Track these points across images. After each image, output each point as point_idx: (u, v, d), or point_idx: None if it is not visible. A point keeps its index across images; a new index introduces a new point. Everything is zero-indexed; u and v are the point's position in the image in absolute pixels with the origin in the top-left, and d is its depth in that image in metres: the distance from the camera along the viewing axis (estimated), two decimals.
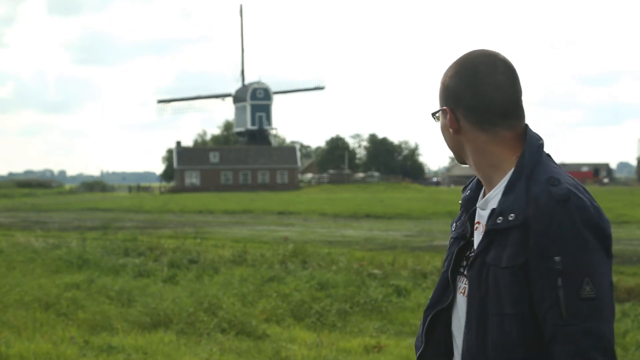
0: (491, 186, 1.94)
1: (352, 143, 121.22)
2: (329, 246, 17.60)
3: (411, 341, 7.67)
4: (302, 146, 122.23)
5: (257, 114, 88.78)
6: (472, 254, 1.91)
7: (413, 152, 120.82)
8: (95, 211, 40.03)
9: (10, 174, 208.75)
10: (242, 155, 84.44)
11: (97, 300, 9.61)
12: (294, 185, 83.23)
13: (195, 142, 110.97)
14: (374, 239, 20.97)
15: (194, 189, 79.83)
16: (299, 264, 12.93)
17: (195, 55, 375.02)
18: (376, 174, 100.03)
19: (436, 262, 13.08)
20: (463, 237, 2.00)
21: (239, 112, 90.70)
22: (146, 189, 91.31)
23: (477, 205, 1.97)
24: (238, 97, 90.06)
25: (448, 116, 1.95)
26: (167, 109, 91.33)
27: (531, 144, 1.89)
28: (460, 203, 2.05)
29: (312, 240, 19.47)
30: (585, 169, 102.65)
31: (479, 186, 2.02)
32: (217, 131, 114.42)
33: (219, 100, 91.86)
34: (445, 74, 1.97)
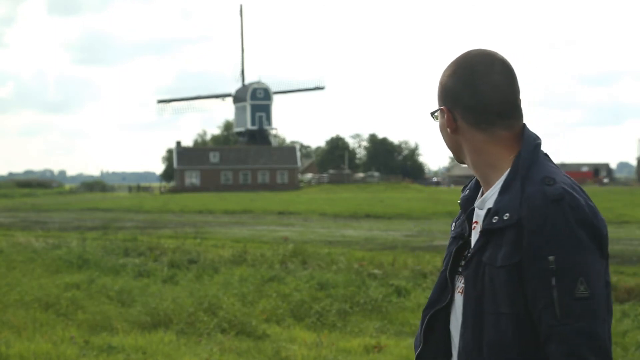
0: (489, 186, 1.94)
1: (352, 143, 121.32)
2: (329, 246, 17.60)
3: (411, 341, 7.67)
4: (302, 146, 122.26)
5: (257, 114, 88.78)
6: (469, 254, 1.92)
7: (413, 152, 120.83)
8: (95, 211, 40.04)
9: (10, 174, 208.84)
10: (242, 155, 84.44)
11: (97, 300, 9.61)
12: (294, 185, 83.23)
13: (195, 142, 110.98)
14: (374, 239, 20.97)
15: (194, 189, 79.83)
16: (299, 264, 12.93)
17: (195, 55, 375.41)
18: (376, 174, 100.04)
19: (436, 262, 13.08)
20: (461, 237, 2.00)
21: (239, 112, 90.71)
22: (146, 189, 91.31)
23: (475, 205, 1.98)
24: (238, 97, 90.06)
25: (446, 116, 1.96)
26: (167, 109, 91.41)
27: (528, 143, 1.89)
28: (459, 203, 2.06)
29: (312, 240, 19.47)
30: (585, 169, 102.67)
31: (477, 186, 2.03)
32: (217, 131, 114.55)
33: (219, 100, 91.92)
34: (443, 74, 1.97)
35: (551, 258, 1.74)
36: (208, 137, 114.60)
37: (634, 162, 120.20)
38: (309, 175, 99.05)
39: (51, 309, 9.17)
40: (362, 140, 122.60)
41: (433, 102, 2.03)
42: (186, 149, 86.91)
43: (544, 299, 1.75)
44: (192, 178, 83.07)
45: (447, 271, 2.00)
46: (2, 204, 49.82)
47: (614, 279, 11.00)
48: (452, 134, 1.96)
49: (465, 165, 2.01)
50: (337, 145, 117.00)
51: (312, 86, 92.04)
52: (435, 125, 2.04)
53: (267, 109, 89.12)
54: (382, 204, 41.69)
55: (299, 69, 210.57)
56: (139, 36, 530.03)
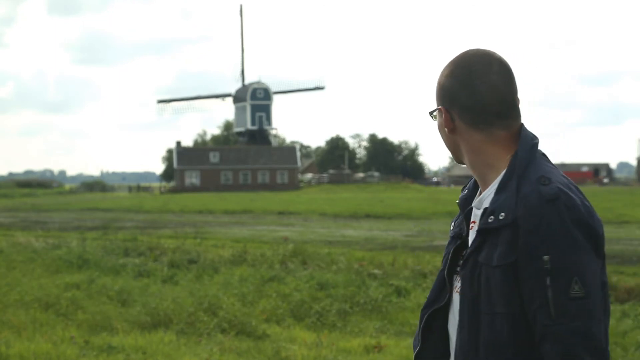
0: (486, 185, 1.95)
1: (352, 143, 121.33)
2: (329, 246, 17.60)
3: (411, 341, 7.66)
4: (302, 146, 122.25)
5: (257, 114, 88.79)
6: (466, 254, 1.92)
7: (413, 152, 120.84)
8: (95, 211, 40.04)
9: (10, 174, 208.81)
10: (242, 155, 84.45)
11: (97, 300, 9.61)
12: (294, 185, 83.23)
13: (195, 142, 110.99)
14: (374, 239, 20.98)
15: (194, 189, 79.84)
16: (299, 264, 12.93)
17: (195, 55, 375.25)
18: (376, 174, 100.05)
19: (436, 262, 13.08)
20: (459, 237, 2.00)
21: (239, 112, 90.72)
22: (146, 189, 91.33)
23: (473, 205, 1.98)
24: (238, 97, 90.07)
25: (443, 116, 1.96)
26: (167, 109, 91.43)
27: (525, 143, 1.89)
28: (458, 203, 2.06)
29: (312, 240, 19.47)
30: (585, 169, 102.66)
31: (476, 186, 2.03)
32: (217, 131, 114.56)
33: (219, 100, 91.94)
34: (441, 74, 1.97)
35: (546, 258, 1.74)
36: (208, 137, 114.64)
37: (634, 162, 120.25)
38: (309, 175, 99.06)
39: (51, 309, 9.17)
40: (362, 140, 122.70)
41: (433, 102, 2.04)
42: (186, 149, 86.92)
43: (539, 299, 1.75)
44: (192, 178, 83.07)
45: (446, 271, 2.00)
46: (2, 204, 49.83)
47: (613, 279, 10.99)
48: (450, 134, 1.97)
49: (464, 165, 2.01)
50: (337, 145, 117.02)
51: (312, 86, 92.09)
52: (435, 125, 2.04)
53: (267, 109, 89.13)
54: (382, 204, 41.69)
55: (299, 69, 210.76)
56: (139, 36, 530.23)
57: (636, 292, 10.46)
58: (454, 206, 2.18)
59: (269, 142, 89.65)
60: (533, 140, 1.91)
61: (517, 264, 1.78)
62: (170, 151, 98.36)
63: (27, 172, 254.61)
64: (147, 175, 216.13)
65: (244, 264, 13.00)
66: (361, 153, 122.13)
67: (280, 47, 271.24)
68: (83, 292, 10.20)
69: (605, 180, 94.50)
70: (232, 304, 9.01)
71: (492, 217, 1.84)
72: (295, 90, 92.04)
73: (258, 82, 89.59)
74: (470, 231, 1.96)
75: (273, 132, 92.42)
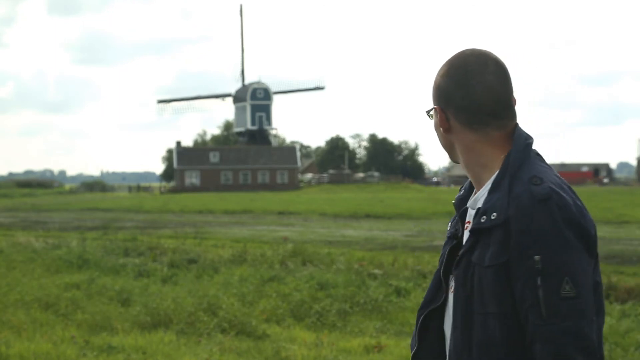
0: (480, 185, 1.95)
1: (352, 143, 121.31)
2: (329, 246, 17.60)
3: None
4: (302, 146, 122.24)
5: (257, 114, 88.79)
6: (460, 254, 1.92)
7: (413, 152, 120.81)
8: (95, 211, 40.03)
9: (10, 174, 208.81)
10: (242, 155, 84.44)
11: (97, 300, 9.62)
12: (294, 185, 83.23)
13: (195, 142, 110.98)
14: (374, 239, 20.97)
15: (194, 189, 79.84)
16: (299, 264, 12.93)
17: (195, 55, 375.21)
18: (376, 174, 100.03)
19: (436, 262, 13.05)
20: (455, 237, 2.01)
21: (239, 112, 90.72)
22: (146, 189, 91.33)
23: (468, 205, 1.98)
24: (238, 97, 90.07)
25: (438, 115, 1.96)
26: (167, 109, 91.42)
27: (518, 143, 1.89)
28: (454, 203, 2.06)
29: (312, 240, 19.46)
30: (585, 169, 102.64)
31: (472, 186, 2.03)
32: (217, 131, 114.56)
33: (219, 100, 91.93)
34: (438, 73, 1.98)
35: (537, 258, 1.74)
36: (208, 137, 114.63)
37: (634, 162, 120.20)
38: (309, 175, 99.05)
39: (51, 309, 9.17)
40: (362, 140, 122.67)
41: (432, 102, 2.04)
42: (186, 149, 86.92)
43: (530, 299, 1.75)
44: (192, 178, 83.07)
45: (441, 271, 2.01)
46: (2, 204, 49.83)
47: (613, 279, 10.99)
48: (445, 134, 1.97)
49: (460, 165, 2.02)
50: (337, 145, 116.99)
51: (312, 86, 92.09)
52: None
53: (267, 109, 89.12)
54: (382, 204, 41.68)
55: (299, 69, 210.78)
56: (139, 36, 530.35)
57: (636, 292, 10.45)
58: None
59: (269, 142, 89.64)
60: (527, 140, 1.91)
61: (508, 264, 1.78)
62: (170, 151, 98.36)
63: (27, 172, 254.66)
64: (147, 175, 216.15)
65: (244, 264, 13.00)
66: (361, 153, 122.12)
67: (280, 47, 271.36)
68: (83, 292, 10.20)
69: (605, 180, 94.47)
70: (232, 304, 9.01)
71: (484, 217, 1.84)
72: (295, 90, 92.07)
73: (258, 82, 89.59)
74: (465, 231, 1.96)
75: (273, 132, 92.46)
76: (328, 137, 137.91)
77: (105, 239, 18.63)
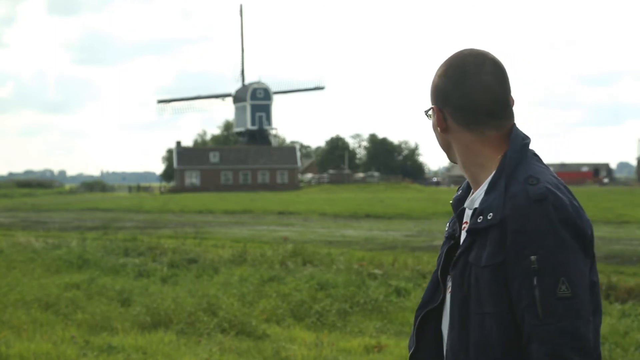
0: (477, 185, 1.95)
1: (352, 143, 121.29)
2: (329, 246, 17.60)
3: None
4: (302, 146, 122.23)
5: (257, 114, 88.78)
6: (457, 254, 1.92)
7: (413, 152, 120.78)
8: (95, 211, 40.03)
9: (10, 174, 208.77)
10: (242, 155, 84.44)
11: (97, 300, 9.62)
12: (294, 185, 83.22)
13: (195, 142, 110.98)
14: (374, 239, 20.97)
15: (194, 189, 79.83)
16: (299, 264, 12.93)
17: (195, 55, 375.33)
18: (376, 174, 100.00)
19: (436, 262, 13.06)
20: (453, 237, 2.01)
21: (239, 112, 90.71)
22: (146, 189, 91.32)
23: (465, 205, 1.98)
24: (238, 97, 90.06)
25: (436, 115, 1.97)
26: (167, 109, 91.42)
27: (515, 143, 1.89)
28: (451, 203, 2.06)
29: (312, 240, 19.46)
30: (585, 169, 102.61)
31: (469, 186, 2.03)
32: (217, 131, 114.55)
33: (219, 100, 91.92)
34: (436, 73, 1.98)
35: (533, 258, 1.74)
36: (208, 137, 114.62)
37: (634, 162, 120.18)
38: (309, 175, 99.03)
39: (51, 309, 9.17)
40: (362, 140, 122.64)
41: (430, 102, 2.05)
42: (186, 149, 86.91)
43: (526, 299, 1.75)
44: (192, 178, 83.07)
45: (439, 271, 2.01)
46: (2, 204, 49.82)
47: (613, 279, 10.99)
48: (443, 133, 1.97)
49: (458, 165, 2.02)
50: (337, 145, 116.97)
51: (312, 86, 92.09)
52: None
53: (267, 109, 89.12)
54: (382, 204, 41.68)
55: (299, 69, 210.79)
56: (139, 36, 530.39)
57: (636, 292, 10.45)
58: None
59: (269, 142, 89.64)
60: (524, 140, 1.91)
61: (505, 264, 1.78)
62: (170, 151, 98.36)
63: (27, 172, 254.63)
64: (147, 175, 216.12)
65: (244, 264, 13.00)
66: (361, 153, 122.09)
67: (280, 47, 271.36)
68: (83, 292, 10.20)
69: (605, 180, 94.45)
70: (232, 304, 9.01)
71: (481, 217, 1.84)
72: (295, 90, 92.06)
73: (258, 82, 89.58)
74: (462, 231, 1.96)
75: (273, 132, 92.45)
76: (328, 137, 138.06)
77: (105, 239, 18.63)
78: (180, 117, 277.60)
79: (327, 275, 11.19)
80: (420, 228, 25.10)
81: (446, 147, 2.00)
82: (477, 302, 1.82)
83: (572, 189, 1.97)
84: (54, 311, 9.07)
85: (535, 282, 1.74)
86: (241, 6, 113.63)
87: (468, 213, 1.95)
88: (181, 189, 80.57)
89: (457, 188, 2.11)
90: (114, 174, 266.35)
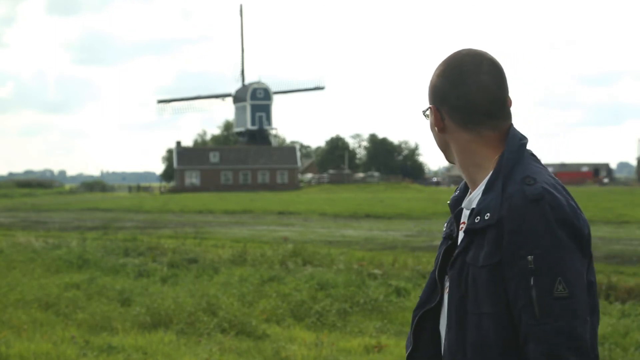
0: (475, 186, 1.95)
1: (352, 143, 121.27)
2: (329, 246, 17.60)
3: None
4: (302, 146, 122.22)
5: (257, 114, 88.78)
6: (455, 254, 1.93)
7: (413, 152, 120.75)
8: (95, 211, 40.03)
9: (10, 174, 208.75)
10: (242, 155, 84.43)
11: (97, 300, 9.62)
12: (294, 185, 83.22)
13: (195, 142, 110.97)
14: (374, 239, 20.97)
15: (194, 189, 79.83)
16: (299, 264, 12.93)
17: (195, 55, 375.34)
18: (376, 174, 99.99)
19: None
20: (450, 237, 2.01)
21: (239, 112, 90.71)
22: (146, 189, 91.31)
23: (462, 205, 1.99)
24: (238, 97, 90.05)
25: (433, 115, 1.97)
26: (167, 109, 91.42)
27: (512, 143, 1.89)
28: (449, 203, 2.07)
29: (312, 240, 19.46)
30: (585, 169, 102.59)
31: (467, 186, 2.03)
32: (217, 131, 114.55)
33: (219, 100, 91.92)
34: (434, 73, 1.98)
35: (530, 258, 1.74)
36: (208, 137, 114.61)
37: (634, 162, 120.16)
38: (309, 175, 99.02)
39: (51, 309, 9.17)
40: (362, 140, 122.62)
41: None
42: (186, 149, 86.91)
43: (523, 299, 1.75)
44: (192, 178, 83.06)
45: (437, 272, 2.01)
46: (2, 204, 49.82)
47: (614, 279, 10.99)
48: (440, 133, 1.97)
49: (455, 165, 2.02)
50: (337, 145, 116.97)
51: (312, 86, 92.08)
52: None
53: (267, 109, 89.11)
54: (382, 204, 41.68)
55: (299, 69, 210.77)
56: (139, 36, 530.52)
57: (636, 292, 10.45)
58: None
59: (269, 142, 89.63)
60: (521, 141, 1.91)
61: (502, 264, 1.78)
62: (170, 151, 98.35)
63: (27, 172, 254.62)
64: (147, 175, 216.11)
65: (244, 264, 13.00)
66: (361, 153, 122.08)
67: (280, 47, 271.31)
68: (83, 292, 10.20)
69: (605, 180, 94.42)
70: (231, 304, 9.01)
71: (478, 217, 1.84)
72: (295, 90, 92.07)
73: (258, 82, 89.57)
74: (460, 232, 1.96)
75: (273, 132, 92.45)
76: (328, 137, 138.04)
77: (105, 239, 18.63)
78: (180, 117, 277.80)
79: (327, 275, 11.19)
80: (420, 228, 25.09)
81: (444, 147, 2.00)
82: (474, 302, 1.82)
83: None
84: (54, 311, 9.07)
85: (532, 282, 1.74)
86: (241, 6, 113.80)
87: (466, 213, 1.95)
88: (181, 189, 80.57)
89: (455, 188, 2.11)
90: (114, 174, 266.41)
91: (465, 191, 2.03)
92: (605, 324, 7.98)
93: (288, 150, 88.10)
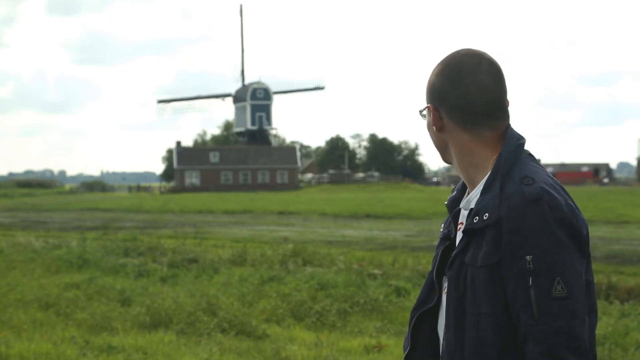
0: (473, 186, 1.95)
1: (352, 143, 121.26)
2: (329, 246, 17.60)
3: None
4: (302, 146, 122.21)
5: (257, 114, 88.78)
6: (453, 254, 1.92)
7: (413, 152, 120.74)
8: (95, 211, 40.02)
9: (10, 174, 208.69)
10: (242, 155, 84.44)
11: (97, 300, 9.62)
12: (294, 185, 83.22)
13: (195, 142, 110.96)
14: (374, 239, 20.97)
15: (194, 189, 79.83)
16: (299, 264, 12.93)
17: (195, 55, 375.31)
18: (376, 174, 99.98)
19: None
20: (448, 238, 2.01)
21: (239, 112, 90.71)
22: (146, 189, 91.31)
23: (461, 206, 1.98)
24: (238, 97, 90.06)
25: (432, 114, 1.96)
26: (167, 109, 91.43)
27: (510, 143, 1.89)
28: (446, 204, 2.06)
29: (312, 240, 19.46)
30: (585, 169, 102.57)
31: (464, 187, 2.03)
32: (217, 131, 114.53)
33: (219, 100, 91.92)
34: (432, 73, 1.98)
35: (529, 258, 1.74)
36: (208, 137, 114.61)
37: (634, 162, 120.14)
38: (309, 175, 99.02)
39: (51, 309, 9.17)
40: (362, 140, 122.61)
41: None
42: (186, 149, 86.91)
43: (522, 299, 1.75)
44: (192, 178, 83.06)
45: (434, 272, 2.01)
46: (2, 204, 49.82)
47: (614, 279, 10.99)
48: (438, 133, 1.97)
49: (453, 165, 2.02)
50: (337, 145, 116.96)
51: (312, 86, 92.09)
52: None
53: (267, 109, 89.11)
54: (382, 204, 41.68)
55: (299, 69, 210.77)
56: (139, 36, 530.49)
57: (636, 292, 10.45)
58: None
59: (269, 142, 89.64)
60: (519, 141, 1.91)
61: (500, 264, 1.78)
62: (170, 151, 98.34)
63: (27, 172, 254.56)
64: (147, 175, 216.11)
65: (244, 264, 13.00)
66: (361, 153, 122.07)
67: (280, 47, 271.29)
68: (83, 292, 10.20)
69: (605, 180, 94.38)
70: (231, 304, 9.01)
71: (476, 217, 1.84)
72: (295, 90, 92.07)
73: (258, 82, 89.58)
74: (458, 232, 1.96)
75: (273, 132, 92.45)
76: (328, 137, 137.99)
77: (105, 239, 18.63)
78: (180, 117, 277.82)
79: (327, 275, 11.19)
80: (420, 228, 25.09)
81: (441, 147, 2.00)
82: (473, 302, 1.82)
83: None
84: (54, 311, 9.07)
85: (530, 282, 1.74)
86: (241, 6, 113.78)
87: (464, 214, 1.95)
88: (181, 189, 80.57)
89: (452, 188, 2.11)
90: (114, 174, 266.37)
91: (462, 192, 2.03)
92: (605, 324, 7.98)
93: (288, 150, 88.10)
